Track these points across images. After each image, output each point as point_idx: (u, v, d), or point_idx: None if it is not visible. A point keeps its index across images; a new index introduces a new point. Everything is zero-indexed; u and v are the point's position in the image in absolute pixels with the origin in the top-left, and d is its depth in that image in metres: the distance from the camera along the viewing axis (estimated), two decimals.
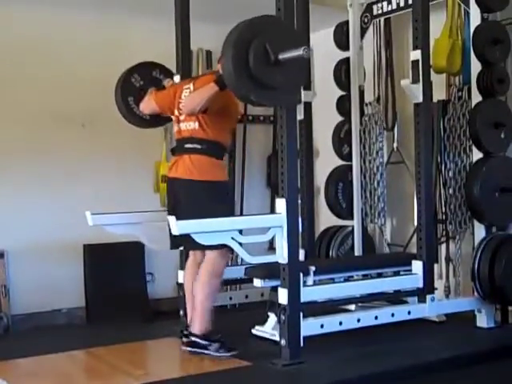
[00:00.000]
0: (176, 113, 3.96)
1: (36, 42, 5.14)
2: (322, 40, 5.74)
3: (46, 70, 5.18)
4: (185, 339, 3.95)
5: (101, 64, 5.35)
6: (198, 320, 3.73)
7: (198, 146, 3.81)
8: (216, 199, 3.76)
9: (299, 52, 3.35)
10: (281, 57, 3.39)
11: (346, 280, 4.42)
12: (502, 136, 4.34)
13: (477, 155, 4.40)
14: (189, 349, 3.74)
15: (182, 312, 4.26)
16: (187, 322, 4.02)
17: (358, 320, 3.93)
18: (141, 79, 4.42)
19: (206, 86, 3.73)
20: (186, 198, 3.81)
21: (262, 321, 4.17)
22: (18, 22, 5.12)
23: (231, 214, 4.02)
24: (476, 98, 4.38)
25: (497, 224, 4.38)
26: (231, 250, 3.80)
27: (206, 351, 3.69)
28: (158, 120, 4.39)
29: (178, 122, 3.95)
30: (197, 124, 3.84)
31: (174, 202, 3.91)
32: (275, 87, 3.45)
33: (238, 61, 3.34)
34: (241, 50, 3.36)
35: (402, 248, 5.27)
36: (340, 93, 5.35)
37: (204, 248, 3.81)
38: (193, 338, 3.70)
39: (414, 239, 4.61)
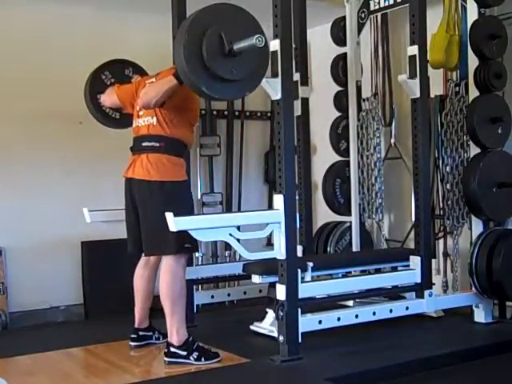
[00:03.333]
0: (137, 107, 3.79)
1: (34, 40, 5.13)
2: (319, 36, 5.75)
3: (43, 68, 5.16)
4: (133, 343, 3.96)
5: (99, 61, 5.32)
6: (173, 330, 3.62)
7: (157, 144, 3.64)
8: (176, 200, 3.62)
9: (252, 41, 3.21)
10: (235, 47, 3.27)
11: (344, 276, 4.43)
12: (499, 131, 4.34)
13: (474, 150, 4.40)
14: (169, 360, 3.63)
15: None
16: (135, 325, 3.99)
17: (356, 316, 3.94)
18: (112, 77, 4.23)
19: (164, 79, 3.58)
20: (144, 201, 3.68)
21: (261, 317, 4.18)
22: (17, 21, 5.11)
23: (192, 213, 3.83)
24: (473, 93, 4.38)
25: (494, 219, 4.38)
26: (188, 252, 3.72)
27: (187, 361, 3.61)
28: (128, 120, 4.08)
29: (138, 117, 3.80)
30: (155, 119, 3.68)
31: (131, 205, 3.77)
32: (230, 79, 3.32)
33: (191, 50, 3.21)
34: (194, 38, 3.22)
35: (399, 243, 5.28)
36: (337, 88, 5.34)
37: (155, 252, 3.78)
38: (172, 349, 3.62)
39: (412, 235, 4.62)
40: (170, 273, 3.63)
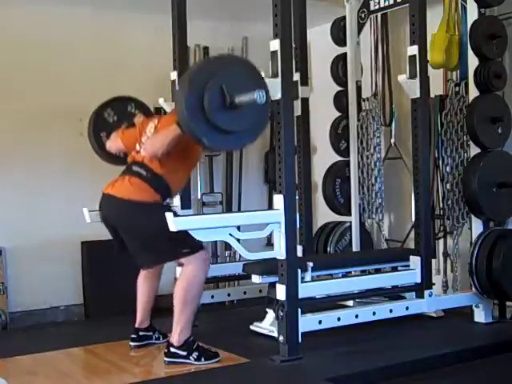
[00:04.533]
0: (137, 147, 3.79)
1: (34, 39, 5.13)
2: (319, 36, 5.75)
3: (43, 68, 5.17)
4: (133, 343, 3.96)
5: (98, 60, 5.35)
6: (177, 330, 3.62)
7: (143, 173, 3.65)
8: (155, 215, 3.52)
9: (253, 97, 3.22)
10: (237, 100, 3.28)
11: (344, 276, 4.43)
12: (499, 131, 4.34)
13: (474, 150, 4.39)
14: (169, 360, 3.63)
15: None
16: (135, 325, 3.99)
17: (356, 316, 3.94)
18: (114, 114, 4.25)
19: (168, 128, 3.57)
20: (121, 219, 3.68)
21: (261, 317, 4.17)
22: (17, 20, 5.11)
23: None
24: (473, 93, 4.38)
25: (494, 219, 4.38)
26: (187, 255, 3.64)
27: (187, 361, 3.61)
28: None
29: (137, 152, 3.80)
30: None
31: (105, 222, 3.79)
32: (230, 132, 3.35)
33: (193, 102, 3.23)
34: (196, 90, 3.24)
35: (399, 243, 5.28)
36: (337, 88, 5.34)
37: (151, 264, 3.78)
38: (172, 349, 3.62)
39: (412, 235, 4.62)
40: (186, 277, 3.62)
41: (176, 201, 4.46)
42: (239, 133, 3.39)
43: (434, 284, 4.27)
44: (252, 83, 3.33)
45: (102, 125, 4.23)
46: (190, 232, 3.37)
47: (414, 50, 4.11)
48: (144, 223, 3.60)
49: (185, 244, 3.57)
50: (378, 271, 4.58)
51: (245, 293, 4.74)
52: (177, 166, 3.71)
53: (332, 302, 4.20)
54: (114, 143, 4.05)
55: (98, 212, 3.84)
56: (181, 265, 3.72)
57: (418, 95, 4.14)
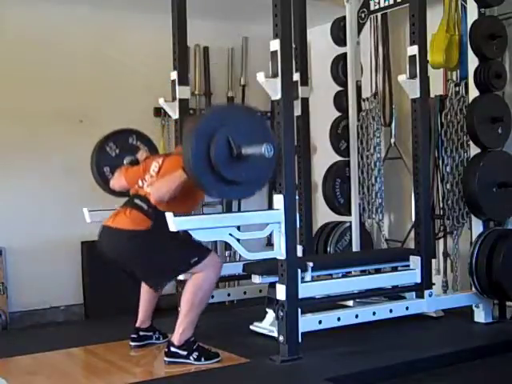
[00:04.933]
0: (139, 183, 3.80)
1: (34, 39, 5.14)
2: (319, 36, 5.75)
3: (43, 67, 5.17)
4: (133, 343, 3.96)
5: (98, 60, 5.35)
6: (180, 330, 3.62)
7: (145, 207, 3.64)
8: (157, 240, 3.58)
9: (260, 150, 3.24)
10: (243, 151, 3.29)
11: (344, 276, 4.43)
12: (499, 131, 4.34)
13: (474, 150, 4.39)
14: (169, 360, 3.63)
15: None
16: (136, 324, 3.99)
17: (356, 316, 3.94)
18: (116, 147, 4.24)
19: (175, 174, 3.55)
20: (124, 250, 3.67)
21: (261, 317, 4.17)
22: (16, 21, 5.11)
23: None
24: (473, 93, 4.38)
25: (494, 219, 4.38)
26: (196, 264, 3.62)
27: (187, 361, 3.61)
28: None
29: (141, 185, 3.79)
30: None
31: (106, 255, 3.80)
32: (238, 182, 3.37)
33: (199, 154, 3.24)
34: (203, 141, 3.25)
35: (399, 243, 5.28)
36: (337, 88, 5.34)
37: (163, 284, 3.75)
38: (172, 349, 3.62)
39: (412, 235, 4.62)
40: (197, 283, 3.61)
41: None
42: (246, 183, 3.42)
43: (434, 284, 4.27)
44: (259, 135, 3.36)
45: (105, 159, 4.24)
46: (191, 232, 3.37)
47: (414, 49, 4.11)
48: (143, 248, 3.59)
49: (191, 254, 3.59)
50: (378, 271, 4.58)
51: (245, 293, 4.75)
52: (179, 205, 3.67)
53: (332, 302, 4.20)
54: (117, 182, 4.07)
55: (98, 244, 3.82)
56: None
57: (417, 95, 4.14)
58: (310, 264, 4.02)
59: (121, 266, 3.81)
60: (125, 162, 4.16)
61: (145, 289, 4.00)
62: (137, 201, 3.72)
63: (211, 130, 3.28)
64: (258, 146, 3.26)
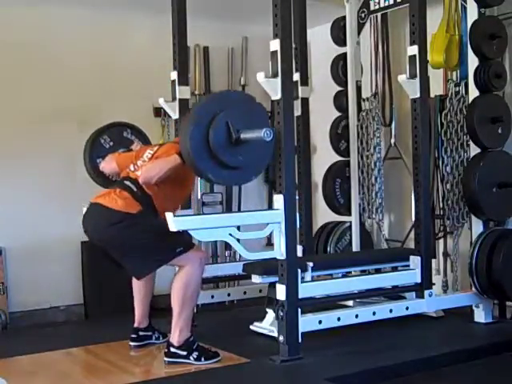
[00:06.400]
0: (131, 167, 3.78)
1: (34, 40, 5.13)
2: (319, 36, 5.75)
3: (43, 68, 5.17)
4: (133, 343, 3.96)
5: (98, 61, 5.35)
6: (177, 331, 3.62)
7: (134, 189, 3.64)
8: (140, 225, 3.59)
9: (260, 134, 3.24)
10: (242, 136, 3.30)
11: (344, 276, 4.43)
12: (499, 131, 4.34)
13: (474, 150, 4.39)
14: (169, 360, 3.63)
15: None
16: (135, 324, 3.99)
17: (356, 316, 3.94)
18: (111, 140, 4.24)
19: (169, 157, 3.58)
20: (103, 231, 3.64)
21: (261, 317, 4.17)
22: (16, 21, 5.11)
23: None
24: (473, 93, 4.38)
25: (494, 219, 4.38)
26: (181, 254, 3.62)
27: (187, 361, 3.61)
28: None
29: (131, 171, 3.78)
30: None
31: (92, 234, 3.77)
32: (235, 167, 3.37)
33: (198, 138, 3.25)
34: (201, 126, 3.25)
35: (399, 243, 5.28)
36: (337, 88, 5.34)
37: (146, 272, 3.72)
38: (172, 349, 3.62)
39: (412, 234, 4.62)
40: (183, 275, 3.61)
41: None
42: (244, 168, 3.42)
43: (434, 284, 4.27)
44: (258, 120, 3.36)
45: (99, 151, 4.23)
46: (191, 232, 3.37)
47: (414, 49, 4.11)
48: (130, 232, 3.57)
49: (177, 243, 3.56)
50: (378, 271, 4.58)
51: (245, 293, 4.74)
52: (167, 194, 3.70)
53: (332, 302, 4.20)
54: (108, 164, 4.05)
55: (82, 221, 3.79)
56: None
57: (417, 95, 4.14)
58: (310, 264, 4.03)
59: (102, 247, 3.76)
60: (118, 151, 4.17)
61: (136, 289, 3.99)
62: (126, 182, 3.71)
63: (210, 115, 3.28)
64: (258, 130, 3.25)
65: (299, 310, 3.66)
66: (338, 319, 3.86)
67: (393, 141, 5.30)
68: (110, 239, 3.66)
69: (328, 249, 5.15)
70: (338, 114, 5.35)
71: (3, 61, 5.05)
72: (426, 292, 4.16)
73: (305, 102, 4.89)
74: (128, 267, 3.74)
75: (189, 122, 3.30)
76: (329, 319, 3.83)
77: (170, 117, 4.82)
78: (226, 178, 3.48)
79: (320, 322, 3.79)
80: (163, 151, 3.73)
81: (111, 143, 4.25)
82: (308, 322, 3.73)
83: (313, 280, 4.06)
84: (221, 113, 3.30)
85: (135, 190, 3.66)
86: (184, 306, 3.61)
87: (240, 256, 4.57)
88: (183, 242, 3.59)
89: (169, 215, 3.27)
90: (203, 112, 3.31)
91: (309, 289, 3.81)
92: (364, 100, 5.25)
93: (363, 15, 5.05)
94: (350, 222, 5.19)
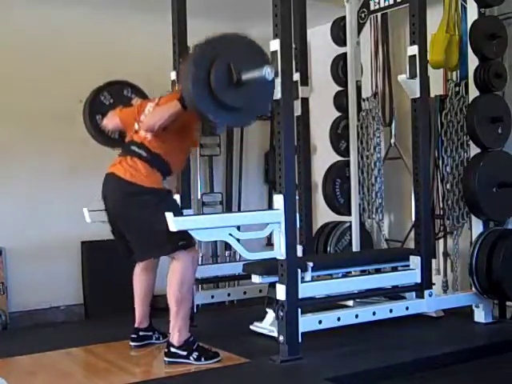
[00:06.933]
0: (136, 126, 3.79)
1: (35, 40, 5.14)
2: (319, 36, 5.75)
3: (44, 68, 5.17)
4: (133, 343, 3.96)
5: (98, 61, 5.35)
6: (176, 331, 3.62)
7: (144, 154, 3.66)
8: (153, 205, 3.59)
9: (261, 73, 3.24)
10: (244, 77, 3.29)
11: (344, 276, 4.43)
12: (499, 131, 4.34)
13: (474, 150, 4.39)
14: (169, 360, 3.63)
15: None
16: (135, 324, 3.99)
17: (356, 316, 3.94)
18: (111, 97, 4.24)
19: (169, 103, 3.59)
20: (119, 203, 3.67)
21: (261, 317, 4.17)
22: (16, 21, 5.11)
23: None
24: (473, 93, 4.38)
25: (494, 219, 4.38)
26: (183, 248, 3.64)
27: (187, 361, 3.61)
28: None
29: (135, 133, 3.79)
30: (150, 135, 3.69)
31: (107, 204, 3.78)
32: (236, 108, 3.36)
33: (199, 79, 3.23)
34: (202, 68, 3.24)
35: (399, 243, 5.28)
36: (337, 88, 5.34)
37: (147, 256, 3.74)
38: (172, 349, 3.62)
39: (412, 234, 4.62)
40: (177, 274, 3.62)
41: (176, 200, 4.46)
42: (244, 110, 3.40)
43: (434, 284, 4.27)
44: (259, 60, 3.34)
45: (98, 108, 4.23)
46: (190, 232, 3.37)
47: (414, 49, 4.10)
48: (143, 211, 3.57)
49: (182, 236, 3.53)
50: (378, 271, 4.58)
51: (245, 293, 4.74)
52: (174, 146, 3.71)
53: (332, 302, 4.20)
54: (110, 121, 4.02)
55: (102, 190, 3.81)
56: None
57: (417, 95, 4.14)
58: (310, 264, 4.02)
59: (117, 227, 3.77)
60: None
61: (137, 289, 3.99)
62: (133, 147, 3.71)
63: (210, 57, 3.27)
64: (259, 69, 3.24)
65: (299, 310, 3.66)
66: (338, 319, 3.86)
67: (393, 141, 5.30)
68: (124, 210, 3.66)
69: (328, 249, 5.15)
70: (338, 114, 5.35)
71: (2, 61, 5.05)
72: (426, 292, 4.16)
73: (305, 102, 4.89)
74: (132, 244, 3.72)
75: (189, 64, 3.28)
76: (329, 319, 3.83)
77: None
78: (227, 119, 3.45)
79: (320, 321, 3.79)
80: (164, 101, 3.73)
81: (111, 100, 4.25)
82: (308, 322, 3.73)
83: (313, 280, 4.06)
84: (221, 54, 3.29)
85: (144, 154, 3.66)
86: (180, 305, 3.61)
87: (240, 256, 4.58)
88: (187, 237, 3.57)
89: (168, 215, 3.27)
90: (204, 54, 3.29)
91: (309, 289, 3.81)
92: (364, 100, 5.25)
93: (363, 15, 5.05)
94: (350, 222, 5.19)
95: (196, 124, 3.83)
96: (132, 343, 3.97)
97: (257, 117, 3.56)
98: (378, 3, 4.87)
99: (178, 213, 3.57)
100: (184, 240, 3.59)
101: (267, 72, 3.24)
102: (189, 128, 3.77)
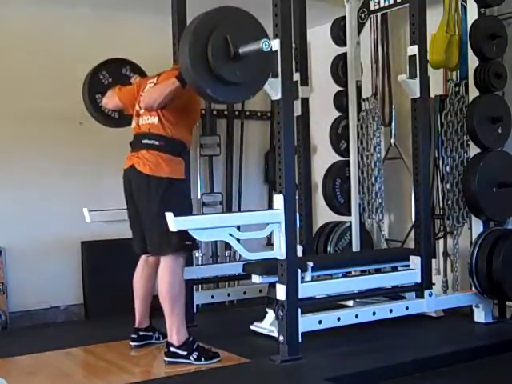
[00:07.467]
0: (137, 107, 3.81)
1: (34, 40, 5.13)
2: (319, 36, 5.75)
3: (43, 68, 5.16)
4: (133, 343, 3.96)
5: (98, 61, 5.33)
6: (174, 330, 3.62)
7: (157, 143, 3.66)
8: (173, 198, 3.62)
9: (258, 45, 3.22)
10: (241, 50, 3.27)
11: (344, 276, 4.43)
12: (499, 131, 4.34)
13: (474, 150, 4.40)
14: (169, 359, 3.63)
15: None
16: (135, 325, 4.00)
17: (356, 316, 3.94)
18: (109, 76, 4.22)
19: (167, 81, 3.60)
20: (142, 195, 3.68)
21: (261, 317, 4.17)
22: (15, 20, 5.11)
23: (190, 213, 3.85)
24: (473, 93, 4.38)
25: (494, 219, 4.38)
26: (187, 250, 3.72)
27: (187, 361, 3.61)
28: (127, 119, 4.06)
29: (138, 115, 3.81)
30: (156, 119, 3.69)
31: (130, 198, 3.78)
32: (234, 83, 3.34)
33: (196, 53, 3.22)
34: (199, 41, 3.23)
35: (399, 243, 5.28)
36: (337, 88, 5.34)
37: (163, 254, 3.73)
38: (172, 349, 3.62)
39: (412, 234, 4.62)
40: (168, 272, 3.63)
41: None
42: (242, 84, 3.38)
43: (434, 284, 4.27)
44: (256, 33, 3.33)
45: (97, 87, 4.21)
46: (190, 232, 3.37)
47: (414, 49, 4.11)
48: (160, 205, 3.56)
49: (189, 237, 3.50)
50: (378, 271, 4.58)
51: (245, 293, 4.74)
52: (182, 121, 3.72)
53: (332, 302, 4.20)
54: (110, 100, 4.02)
55: (124, 190, 3.82)
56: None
57: (417, 95, 4.14)
58: (310, 264, 4.02)
59: (132, 213, 3.79)
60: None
61: (137, 289, 4.00)
62: (144, 141, 3.71)
63: (207, 31, 3.25)
64: (256, 42, 3.23)
65: (299, 310, 3.66)
66: (338, 319, 3.86)
67: (393, 141, 5.30)
68: (143, 202, 3.68)
69: (328, 249, 5.15)
70: (338, 114, 5.35)
71: (2, 61, 5.05)
72: (426, 292, 4.16)
73: (305, 102, 4.89)
74: (147, 234, 3.74)
75: (186, 39, 3.26)
76: (329, 319, 3.83)
77: None
78: (225, 94, 3.41)
79: (320, 321, 3.79)
80: (163, 78, 3.74)
81: (110, 79, 4.23)
82: (308, 322, 3.73)
83: (313, 280, 4.06)
84: (219, 27, 3.27)
85: (157, 143, 3.66)
86: (175, 302, 3.62)
87: (240, 256, 4.58)
88: (192, 238, 3.57)
89: (169, 215, 3.27)
90: (200, 28, 3.27)
91: (309, 289, 3.81)
92: (364, 100, 5.25)
93: (363, 15, 5.05)
94: (350, 222, 5.19)
95: (197, 100, 3.83)
96: (132, 343, 3.97)
97: (255, 92, 3.51)
98: (378, 3, 4.87)
99: (188, 207, 3.65)
100: (190, 241, 3.61)
101: (265, 44, 3.21)
102: (190, 104, 3.76)
